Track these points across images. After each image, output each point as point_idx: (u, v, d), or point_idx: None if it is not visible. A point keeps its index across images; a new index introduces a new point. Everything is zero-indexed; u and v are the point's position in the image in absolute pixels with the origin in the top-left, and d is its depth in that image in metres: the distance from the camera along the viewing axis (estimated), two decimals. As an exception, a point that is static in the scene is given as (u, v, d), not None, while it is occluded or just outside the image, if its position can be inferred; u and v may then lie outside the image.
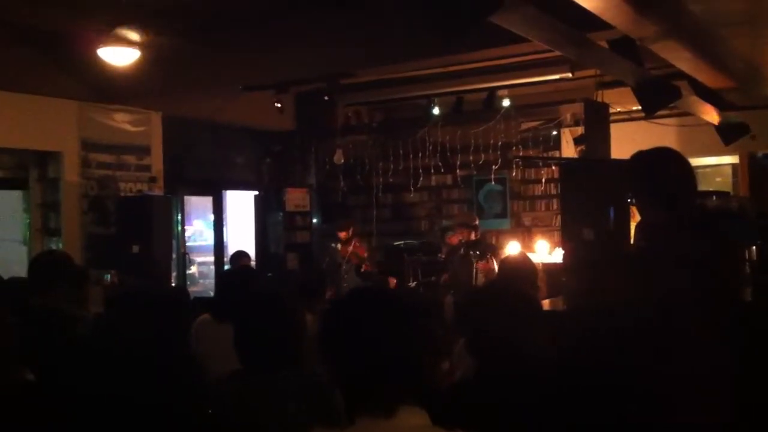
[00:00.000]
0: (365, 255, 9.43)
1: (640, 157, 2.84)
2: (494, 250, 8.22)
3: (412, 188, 12.09)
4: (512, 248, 9.29)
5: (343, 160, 11.18)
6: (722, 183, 10.54)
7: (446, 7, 4.18)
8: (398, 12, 5.84)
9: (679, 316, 2.55)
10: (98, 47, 6.03)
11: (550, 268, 8.38)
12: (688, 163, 2.80)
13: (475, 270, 7.51)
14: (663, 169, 2.78)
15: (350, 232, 9.54)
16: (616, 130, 8.13)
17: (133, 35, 5.91)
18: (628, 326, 2.57)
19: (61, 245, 8.44)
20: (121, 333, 3.07)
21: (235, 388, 2.63)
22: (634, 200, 2.85)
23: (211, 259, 11.59)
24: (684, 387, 2.48)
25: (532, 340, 2.24)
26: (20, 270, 7.91)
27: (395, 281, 9.68)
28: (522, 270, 4.18)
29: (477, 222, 8.20)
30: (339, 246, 9.50)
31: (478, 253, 7.67)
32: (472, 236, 8.03)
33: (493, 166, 11.34)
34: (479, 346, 2.30)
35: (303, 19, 6.18)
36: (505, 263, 4.39)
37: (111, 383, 2.83)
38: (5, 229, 9.47)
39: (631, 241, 4.73)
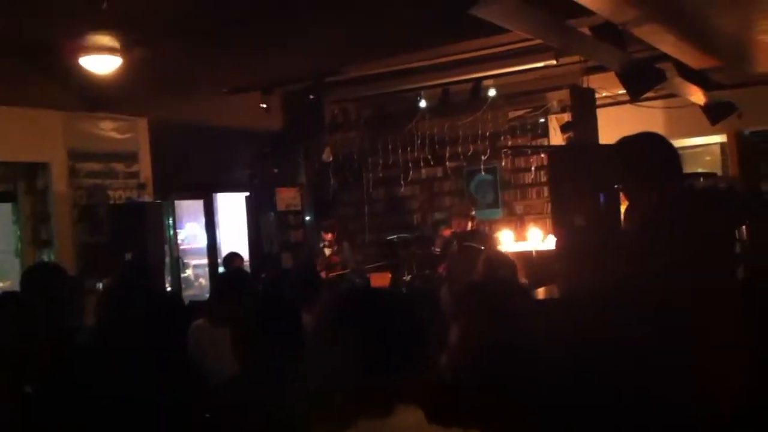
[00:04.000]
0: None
1: (625, 143, 2.87)
2: (488, 240, 8.21)
3: (402, 182, 12.09)
4: (505, 238, 9.30)
5: (332, 158, 11.16)
6: (712, 162, 10.58)
7: (426, 3, 4.19)
8: (380, 8, 5.82)
9: (675, 297, 2.56)
10: (80, 56, 6.00)
11: (543, 256, 8.40)
12: (671, 146, 2.82)
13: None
14: (647, 153, 2.80)
15: (335, 234, 9.48)
16: (603, 115, 8.15)
17: (114, 42, 5.88)
18: (623, 311, 2.59)
19: (53, 256, 8.42)
20: (119, 341, 3.07)
21: (234, 393, 2.63)
22: (621, 186, 2.87)
23: (206, 261, 11.58)
24: (686, 365, 2.50)
25: (527, 332, 2.24)
26: (14, 282, 7.90)
27: (390, 275, 9.69)
28: (504, 264, 4.35)
29: (473, 212, 8.18)
30: (327, 251, 9.45)
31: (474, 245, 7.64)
32: (469, 226, 8.00)
33: (483, 157, 11.34)
34: (473, 341, 2.30)
35: (285, 19, 6.15)
36: (489, 258, 4.54)
37: (112, 390, 2.84)
38: (-3, 242, 9.44)
39: (621, 226, 4.74)
